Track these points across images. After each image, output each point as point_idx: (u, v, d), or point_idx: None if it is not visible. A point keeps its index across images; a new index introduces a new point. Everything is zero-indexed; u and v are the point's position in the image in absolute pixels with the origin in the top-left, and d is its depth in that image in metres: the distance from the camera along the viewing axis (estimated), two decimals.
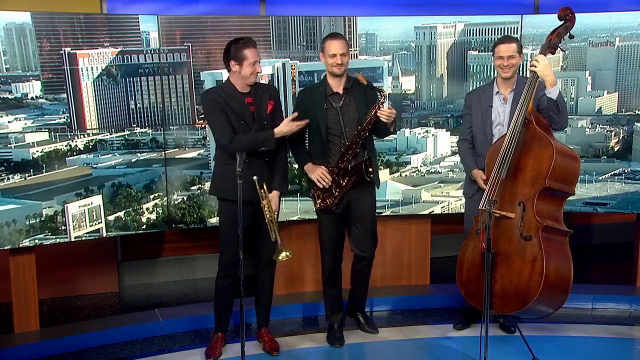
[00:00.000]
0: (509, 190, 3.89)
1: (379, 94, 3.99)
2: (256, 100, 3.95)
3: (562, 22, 4.01)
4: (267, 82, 4.72)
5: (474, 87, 4.80)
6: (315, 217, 4.60)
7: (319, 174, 4.05)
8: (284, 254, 3.85)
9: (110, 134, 4.55)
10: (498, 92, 4.20)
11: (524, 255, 3.79)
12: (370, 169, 4.02)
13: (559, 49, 4.04)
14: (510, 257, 3.83)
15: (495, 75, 4.26)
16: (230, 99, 3.91)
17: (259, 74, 3.96)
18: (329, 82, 4.08)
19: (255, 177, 3.72)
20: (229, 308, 4.18)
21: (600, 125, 4.99)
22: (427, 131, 5.03)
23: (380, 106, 3.96)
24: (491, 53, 4.25)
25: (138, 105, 4.60)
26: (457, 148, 4.52)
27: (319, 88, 4.11)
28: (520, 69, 4.74)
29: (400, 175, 5.04)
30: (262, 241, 4.07)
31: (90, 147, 4.49)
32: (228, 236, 3.97)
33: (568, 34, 4.01)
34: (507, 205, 3.88)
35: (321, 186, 4.06)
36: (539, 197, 3.82)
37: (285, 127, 3.91)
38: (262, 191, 3.82)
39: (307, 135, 4.20)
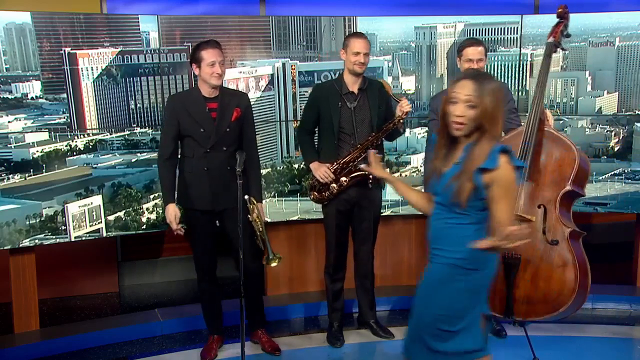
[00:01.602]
0: (526, 193, 3.82)
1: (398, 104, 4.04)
2: (221, 106, 3.87)
3: (561, 19, 4.00)
4: (266, 82, 4.73)
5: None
6: (315, 217, 4.62)
7: (322, 172, 4.06)
8: (275, 262, 3.84)
9: (110, 134, 4.55)
10: None
11: (552, 260, 3.74)
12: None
13: (560, 47, 4.04)
14: (534, 262, 3.76)
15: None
16: (192, 104, 3.86)
17: (221, 76, 3.83)
18: (345, 80, 4.08)
19: (246, 196, 3.70)
20: (215, 311, 4.18)
21: (600, 125, 4.99)
22: (427, 131, 5.02)
23: (401, 120, 4.02)
24: (458, 55, 4.16)
25: (138, 105, 4.60)
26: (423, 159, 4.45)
27: (334, 85, 4.11)
28: (506, 71, 4.77)
29: (400, 175, 5.03)
30: (237, 248, 4.06)
31: (90, 147, 4.49)
32: (196, 244, 4.03)
33: (566, 31, 4.01)
34: (525, 208, 3.80)
35: (322, 181, 4.08)
36: (561, 200, 3.77)
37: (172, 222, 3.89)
38: (252, 206, 3.82)
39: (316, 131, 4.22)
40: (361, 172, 4.04)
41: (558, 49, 4.04)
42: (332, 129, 4.06)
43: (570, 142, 3.86)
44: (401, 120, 4.05)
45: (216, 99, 3.88)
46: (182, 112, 3.86)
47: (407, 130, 5.00)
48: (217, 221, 4.00)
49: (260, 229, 3.85)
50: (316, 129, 4.21)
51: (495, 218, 2.52)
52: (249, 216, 3.80)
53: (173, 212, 3.90)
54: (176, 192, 3.98)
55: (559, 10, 4.00)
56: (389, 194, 4.97)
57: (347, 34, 4.77)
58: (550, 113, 3.96)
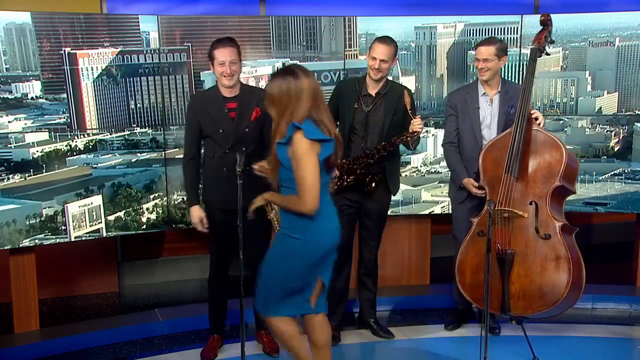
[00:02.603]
0: (518, 190, 3.92)
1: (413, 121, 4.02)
2: (241, 106, 3.87)
3: (544, 26, 4.09)
4: (266, 82, 4.72)
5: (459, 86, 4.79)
6: None
7: None
8: None
9: (110, 134, 4.55)
10: (484, 93, 4.19)
11: (546, 254, 3.82)
12: (374, 184, 4.05)
13: (545, 53, 4.12)
14: (528, 257, 3.85)
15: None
16: (211, 104, 3.87)
17: (237, 76, 3.83)
18: (366, 82, 4.09)
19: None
20: (222, 309, 4.19)
21: (600, 125, 4.99)
22: (427, 131, 5.02)
23: (410, 137, 4.01)
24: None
25: (138, 105, 4.60)
26: (443, 152, 4.44)
27: (356, 85, 4.12)
28: (506, 71, 4.78)
29: (401, 175, 5.03)
30: (253, 245, 4.08)
31: (90, 147, 4.49)
32: (213, 241, 4.05)
33: (550, 38, 4.10)
34: (517, 205, 3.91)
35: None
36: (551, 196, 3.87)
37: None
38: (269, 207, 3.82)
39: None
40: (363, 177, 4.05)
41: (542, 54, 4.12)
42: (344, 128, 4.08)
43: (558, 140, 3.94)
44: (409, 138, 4.02)
45: (236, 98, 3.88)
46: (202, 113, 3.88)
47: None
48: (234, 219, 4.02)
49: (278, 228, 3.85)
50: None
51: (297, 186, 3.03)
52: (268, 215, 3.81)
53: (197, 214, 3.96)
54: (202, 189, 4.03)
55: (542, 18, 4.10)
56: None
57: (347, 34, 4.78)
58: (539, 113, 4.03)
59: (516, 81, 4.86)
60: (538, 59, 4.09)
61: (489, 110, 4.19)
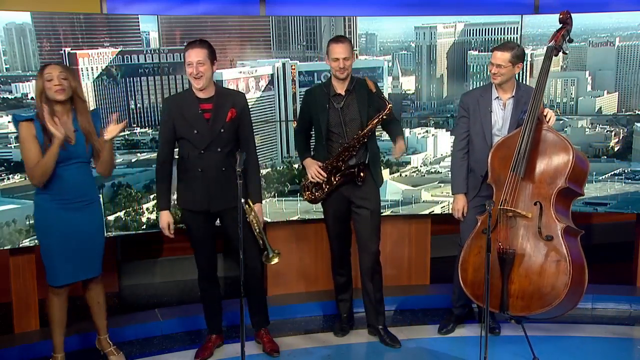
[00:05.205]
0: (524, 190, 3.90)
1: (385, 103, 4.02)
2: (215, 107, 3.85)
3: (563, 24, 4.04)
4: (266, 82, 4.73)
5: (474, 87, 4.79)
6: (315, 217, 4.63)
7: (314, 171, 4.10)
8: (276, 259, 3.87)
9: None
10: (498, 97, 4.17)
11: (547, 256, 3.80)
12: (362, 174, 4.05)
13: (561, 51, 4.07)
14: (529, 257, 3.84)
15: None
16: (185, 106, 3.85)
17: (201, 76, 3.75)
18: (333, 83, 4.10)
19: (242, 200, 3.70)
20: (215, 309, 4.21)
21: (600, 125, 4.99)
22: (427, 131, 5.03)
23: (384, 117, 3.99)
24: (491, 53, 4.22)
25: (138, 105, 4.60)
26: (451, 157, 4.43)
27: (323, 88, 4.14)
28: (521, 75, 4.76)
29: (400, 175, 5.04)
30: (237, 248, 4.08)
31: None
32: (194, 244, 4.05)
33: (568, 36, 4.05)
34: (522, 205, 3.89)
35: (314, 181, 4.13)
36: (557, 197, 3.85)
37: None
38: (247, 207, 3.83)
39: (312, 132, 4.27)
40: (351, 170, 4.06)
41: (559, 53, 4.08)
42: (321, 131, 4.10)
43: (567, 141, 3.91)
44: (384, 117, 4.00)
45: (211, 99, 3.86)
46: (177, 114, 3.86)
47: (407, 130, 5.00)
48: (217, 221, 4.01)
49: (257, 229, 3.86)
50: (312, 132, 4.26)
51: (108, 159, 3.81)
52: (247, 217, 3.81)
53: (166, 219, 3.98)
54: (176, 192, 4.01)
55: (561, 15, 4.05)
56: (389, 193, 4.99)
57: (347, 34, 4.78)
58: (552, 112, 3.99)
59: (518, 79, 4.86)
60: (554, 57, 4.03)
61: (501, 114, 4.14)
